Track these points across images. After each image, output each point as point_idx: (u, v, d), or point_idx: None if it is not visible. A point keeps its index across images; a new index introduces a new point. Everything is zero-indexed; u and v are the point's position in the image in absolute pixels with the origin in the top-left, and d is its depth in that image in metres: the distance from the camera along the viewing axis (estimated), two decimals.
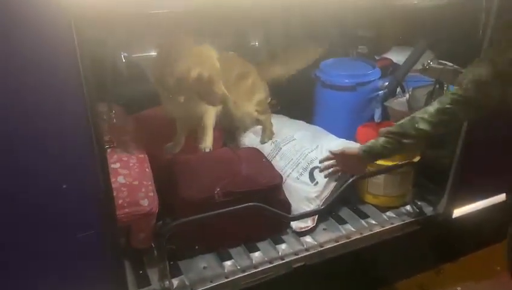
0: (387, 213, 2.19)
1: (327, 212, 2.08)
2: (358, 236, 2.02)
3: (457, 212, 2.20)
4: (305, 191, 2.00)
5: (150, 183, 1.81)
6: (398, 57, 2.69)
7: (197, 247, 1.86)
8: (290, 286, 1.89)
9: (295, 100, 2.67)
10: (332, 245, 1.96)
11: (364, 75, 2.35)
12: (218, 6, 2.25)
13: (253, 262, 1.84)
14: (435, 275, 2.38)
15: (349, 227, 2.07)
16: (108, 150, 1.78)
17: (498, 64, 1.41)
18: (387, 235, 2.08)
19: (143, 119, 2.29)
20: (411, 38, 2.75)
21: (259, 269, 1.82)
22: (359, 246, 2.00)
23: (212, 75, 1.76)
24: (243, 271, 1.80)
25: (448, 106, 1.51)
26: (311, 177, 2.02)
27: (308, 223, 1.99)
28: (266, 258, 1.87)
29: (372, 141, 1.66)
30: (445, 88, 2.15)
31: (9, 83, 1.07)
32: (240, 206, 1.71)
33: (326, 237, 1.99)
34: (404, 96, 2.32)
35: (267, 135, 2.30)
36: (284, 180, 2.01)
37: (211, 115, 2.02)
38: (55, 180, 1.20)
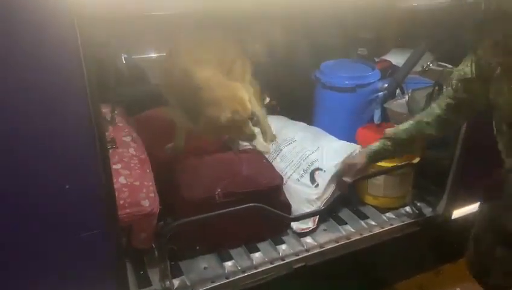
0: (387, 214, 2.20)
1: (327, 213, 2.09)
2: (358, 237, 2.03)
3: (457, 213, 2.21)
4: (306, 193, 2.01)
5: (150, 183, 1.82)
6: (397, 59, 2.71)
7: (197, 247, 1.87)
8: (291, 286, 1.90)
9: (295, 101, 2.68)
10: (333, 246, 1.97)
11: (364, 76, 2.36)
12: (218, 8, 2.28)
13: (254, 263, 1.85)
14: (434, 276, 2.39)
15: (349, 228, 2.08)
16: (110, 151, 1.79)
17: (479, 59, 1.43)
18: (386, 236, 2.09)
19: (144, 120, 2.30)
20: (410, 41, 2.77)
21: (259, 270, 1.83)
22: (359, 247, 2.01)
23: (244, 118, 1.82)
24: (244, 272, 1.81)
25: (444, 114, 1.57)
26: (312, 179, 2.03)
27: (309, 224, 2.00)
28: (267, 259, 1.87)
29: (375, 144, 1.68)
30: (444, 90, 2.16)
31: (11, 82, 1.08)
32: (241, 206, 1.72)
33: (327, 238, 2.00)
34: (404, 98, 2.33)
35: (269, 137, 2.30)
36: (284, 181, 2.02)
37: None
38: (58, 180, 1.20)
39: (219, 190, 1.79)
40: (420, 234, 2.17)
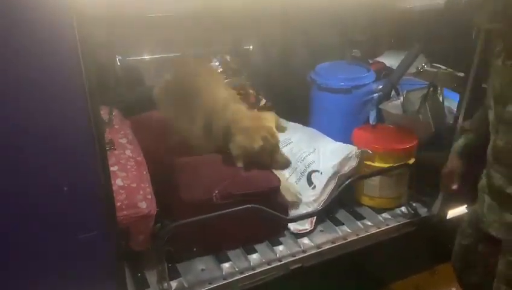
0: (383, 215, 2.21)
1: (324, 214, 2.09)
2: (354, 237, 2.04)
3: (451, 213, 2.23)
4: (303, 195, 2.02)
5: (147, 185, 1.82)
6: (390, 60, 2.73)
7: (195, 249, 1.87)
8: (288, 287, 1.91)
9: (290, 103, 2.69)
10: (329, 246, 1.97)
11: (360, 78, 2.38)
12: (213, 10, 2.29)
13: (251, 264, 1.85)
14: (430, 275, 2.41)
15: (345, 229, 2.09)
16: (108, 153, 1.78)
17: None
18: (383, 237, 2.10)
19: (140, 122, 2.29)
20: (403, 43, 2.79)
21: (257, 271, 1.83)
22: (356, 248, 2.02)
23: (274, 145, 1.92)
24: (241, 273, 1.81)
25: None
26: (309, 181, 2.04)
27: (306, 226, 2.01)
28: (264, 260, 1.88)
29: (459, 141, 1.73)
30: (438, 91, 2.19)
31: (9, 82, 1.07)
32: (239, 207, 1.72)
33: (323, 239, 2.01)
34: (399, 99, 2.35)
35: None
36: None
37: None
38: (57, 181, 1.19)
39: (216, 192, 1.79)
40: (416, 234, 2.18)
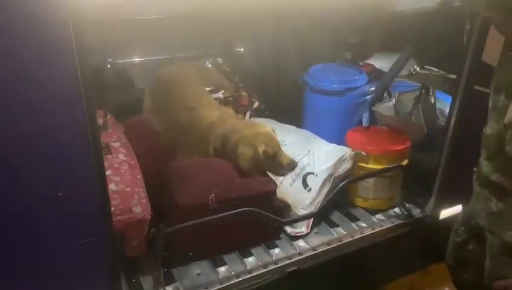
0: (377, 216, 2.22)
1: (319, 216, 2.09)
2: (349, 239, 2.04)
3: (444, 213, 2.25)
4: (299, 198, 2.02)
5: (142, 189, 1.79)
6: (380, 62, 2.74)
7: (190, 254, 1.85)
8: None
9: (283, 105, 2.69)
10: (325, 248, 1.97)
11: (353, 80, 2.39)
12: (204, 12, 2.28)
13: (247, 267, 1.84)
14: (423, 276, 2.42)
15: (340, 230, 2.09)
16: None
17: None
18: (377, 238, 2.11)
19: (131, 126, 2.26)
20: (393, 45, 2.82)
21: (253, 274, 1.82)
22: (351, 249, 2.02)
23: (276, 149, 1.92)
24: (237, 277, 1.80)
25: None
26: (304, 183, 2.04)
27: (303, 229, 2.00)
28: (260, 263, 1.87)
29: None
30: (430, 93, 2.22)
31: (3, 87, 1.05)
32: (236, 211, 1.71)
33: (319, 241, 2.01)
34: (391, 101, 2.37)
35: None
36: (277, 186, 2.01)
37: None
38: (51, 187, 1.17)
39: (213, 195, 1.77)
40: (409, 234, 2.20)
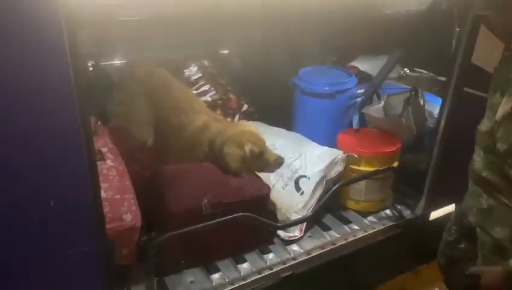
0: (369, 218, 2.22)
1: (314, 220, 2.08)
2: (343, 242, 2.03)
3: (434, 214, 2.27)
4: (292, 202, 1.99)
5: (131, 196, 1.74)
6: (364, 65, 2.75)
7: (183, 261, 1.80)
8: None
9: (272, 108, 2.66)
10: (319, 252, 1.96)
11: (343, 82, 2.39)
12: (188, 13, 2.24)
13: (242, 274, 1.80)
14: (413, 276, 2.44)
15: (333, 233, 2.08)
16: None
17: None
18: (370, 240, 2.11)
19: (117, 130, 2.19)
20: (377, 47, 2.84)
21: (247, 281, 1.78)
22: (344, 252, 2.01)
23: (262, 147, 1.91)
24: (232, 284, 1.76)
25: None
26: (297, 186, 2.02)
27: (296, 233, 1.98)
28: (254, 269, 1.83)
29: None
30: (419, 95, 2.23)
31: None
32: (231, 216, 1.67)
33: (312, 245, 1.99)
34: (380, 103, 2.38)
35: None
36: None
37: None
38: (43, 197, 1.11)
39: (206, 201, 1.73)
40: (401, 236, 2.21)
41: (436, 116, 2.19)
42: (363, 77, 2.61)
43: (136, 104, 2.22)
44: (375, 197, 2.22)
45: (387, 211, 2.27)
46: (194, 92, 2.62)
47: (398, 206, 2.26)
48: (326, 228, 2.11)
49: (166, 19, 2.31)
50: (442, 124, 2.03)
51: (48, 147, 1.08)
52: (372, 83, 2.40)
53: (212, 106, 2.52)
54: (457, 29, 1.89)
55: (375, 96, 2.43)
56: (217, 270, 1.82)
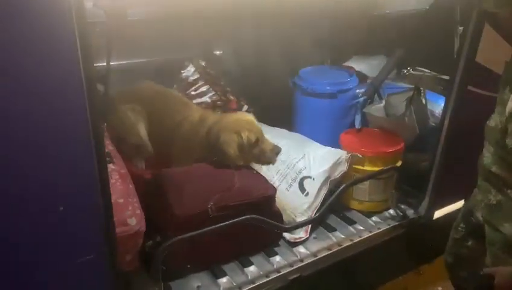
0: (373, 218, 2.20)
1: (319, 221, 2.05)
2: (349, 243, 2.01)
3: (437, 213, 2.27)
4: (297, 203, 1.97)
5: (135, 200, 1.69)
6: (359, 65, 2.74)
7: (189, 266, 1.76)
8: None
9: (272, 108, 2.63)
10: (326, 254, 1.93)
11: (344, 82, 2.38)
12: (181, 13, 2.20)
13: (249, 277, 1.77)
14: (416, 276, 2.44)
15: (339, 234, 2.06)
16: None
17: None
18: (375, 240, 2.09)
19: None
20: (371, 47, 2.85)
21: (256, 284, 1.75)
22: (351, 253, 1.99)
23: (260, 136, 1.91)
24: (240, 288, 1.73)
25: None
26: (301, 187, 1.99)
27: (302, 234, 1.96)
28: (262, 272, 1.80)
29: None
30: (421, 94, 2.23)
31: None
32: (239, 219, 1.64)
33: (319, 246, 1.97)
34: (381, 102, 2.37)
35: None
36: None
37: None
38: (51, 201, 1.06)
39: (212, 203, 1.69)
40: (405, 235, 2.20)
41: (438, 115, 2.19)
42: (359, 77, 2.60)
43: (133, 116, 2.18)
44: (379, 197, 2.21)
45: (391, 211, 2.26)
46: (193, 93, 2.58)
47: (402, 206, 2.25)
48: (331, 229, 2.09)
49: (160, 19, 2.28)
50: (445, 122, 2.02)
51: (59, 150, 1.03)
52: (373, 83, 2.39)
53: (212, 107, 2.49)
54: (460, 27, 1.88)
55: (376, 96, 2.42)
56: (224, 274, 1.78)
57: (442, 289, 2.34)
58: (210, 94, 2.60)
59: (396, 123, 2.25)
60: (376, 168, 2.12)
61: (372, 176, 2.10)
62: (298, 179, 2.03)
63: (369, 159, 2.13)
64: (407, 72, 2.23)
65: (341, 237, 2.04)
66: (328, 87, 2.32)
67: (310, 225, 1.99)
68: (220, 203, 1.71)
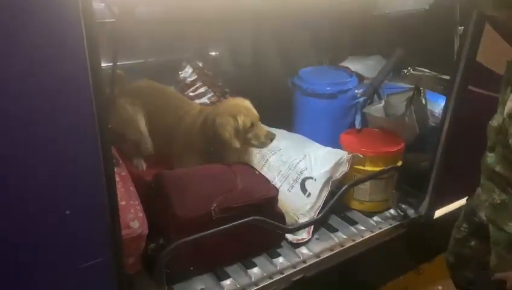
0: (374, 218, 2.20)
1: (321, 222, 2.05)
2: (351, 243, 2.01)
3: (438, 212, 2.28)
4: (299, 204, 1.96)
5: (137, 203, 1.68)
6: (355, 66, 2.74)
7: (192, 268, 1.74)
8: None
9: (269, 108, 2.62)
10: (329, 254, 1.93)
11: (344, 82, 2.38)
12: (178, 13, 2.18)
13: (253, 279, 1.76)
14: (416, 275, 2.44)
15: (341, 235, 2.06)
16: None
17: None
18: (377, 240, 2.09)
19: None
20: (366, 48, 2.85)
21: (259, 286, 1.74)
22: (353, 253, 1.99)
23: (255, 120, 1.95)
24: None
25: None
26: (303, 188, 1.99)
27: (304, 235, 1.95)
28: (265, 274, 1.79)
29: None
30: (421, 94, 2.24)
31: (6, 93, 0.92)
32: (243, 221, 1.63)
33: (321, 247, 1.96)
34: (381, 102, 2.38)
35: None
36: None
37: None
38: (58, 205, 1.04)
39: (215, 205, 1.68)
40: (406, 235, 2.20)
41: (438, 115, 2.20)
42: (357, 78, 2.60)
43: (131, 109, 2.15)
44: (379, 197, 2.21)
45: (392, 211, 2.26)
46: (191, 94, 2.57)
47: (403, 206, 2.25)
48: (333, 230, 2.08)
49: (155, 20, 2.26)
50: (446, 122, 2.03)
51: (66, 154, 1.01)
52: (372, 83, 2.39)
53: None
54: (460, 27, 1.89)
55: (375, 96, 2.42)
56: (227, 276, 1.77)
57: (442, 288, 2.35)
58: (209, 95, 2.59)
59: (396, 123, 2.26)
60: (377, 168, 2.12)
61: (373, 176, 2.10)
62: (300, 180, 2.02)
63: (370, 159, 2.13)
64: (407, 72, 2.23)
65: (343, 238, 2.04)
66: (328, 88, 2.32)
67: (312, 226, 1.98)
68: (223, 205, 1.70)
